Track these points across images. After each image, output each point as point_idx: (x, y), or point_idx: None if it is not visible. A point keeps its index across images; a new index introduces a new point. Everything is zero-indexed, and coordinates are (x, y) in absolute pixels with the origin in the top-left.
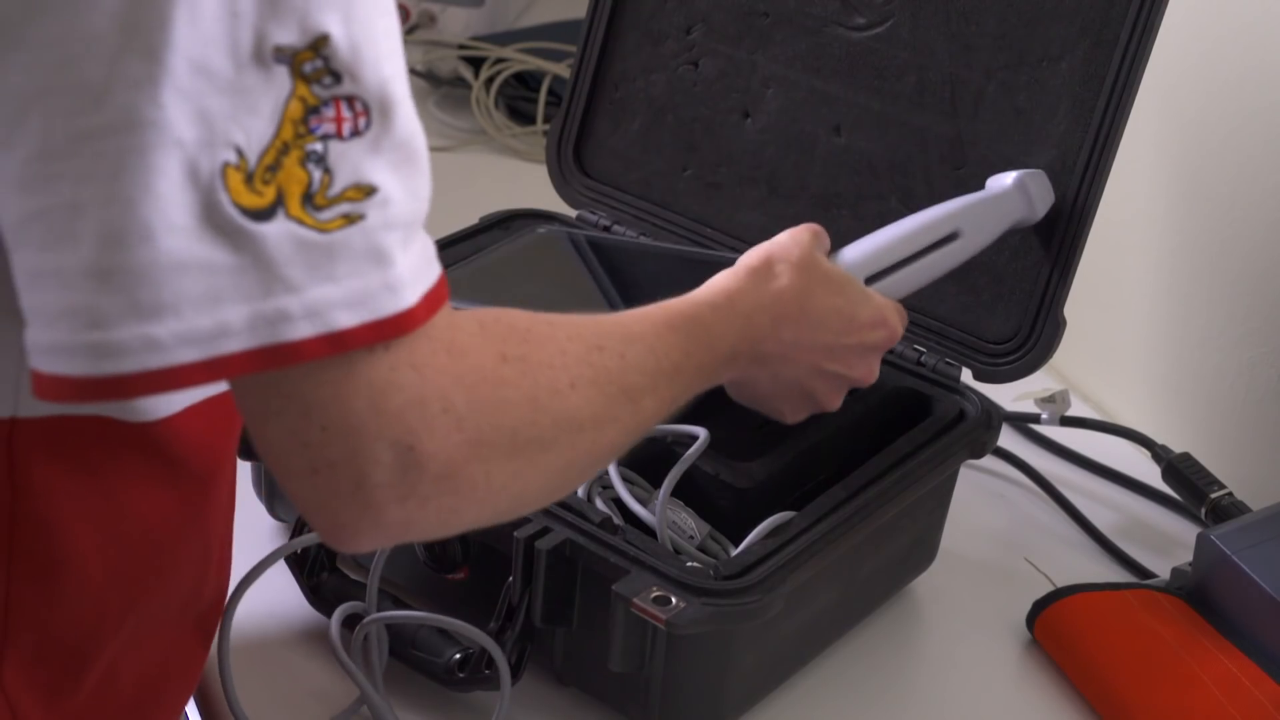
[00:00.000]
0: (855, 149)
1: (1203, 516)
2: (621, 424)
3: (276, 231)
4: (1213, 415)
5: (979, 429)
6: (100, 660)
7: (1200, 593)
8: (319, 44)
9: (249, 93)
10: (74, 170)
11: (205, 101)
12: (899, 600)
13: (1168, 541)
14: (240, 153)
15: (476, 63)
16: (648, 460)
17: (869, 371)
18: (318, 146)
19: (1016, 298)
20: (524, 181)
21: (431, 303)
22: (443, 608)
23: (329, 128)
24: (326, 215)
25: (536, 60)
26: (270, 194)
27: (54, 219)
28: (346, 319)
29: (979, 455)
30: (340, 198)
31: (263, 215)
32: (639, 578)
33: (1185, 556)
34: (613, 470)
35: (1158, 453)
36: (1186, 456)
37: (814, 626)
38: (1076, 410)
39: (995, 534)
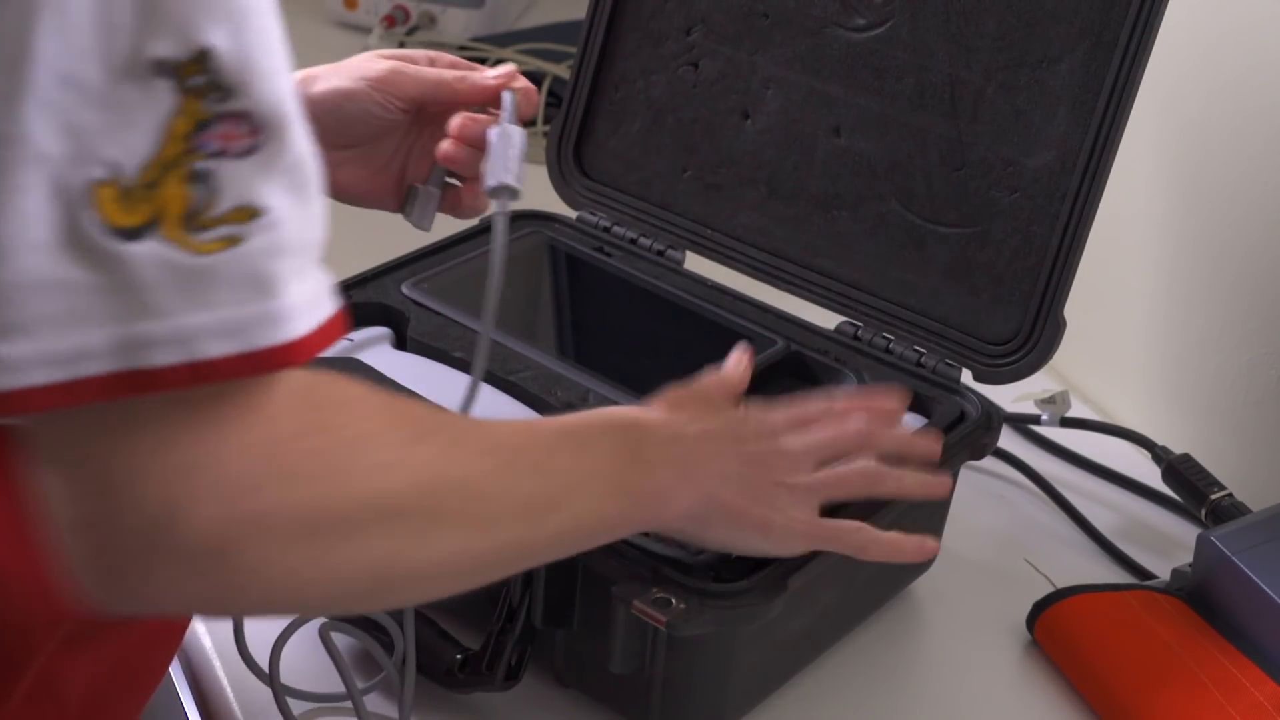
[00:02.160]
0: (855, 150)
1: (1203, 517)
2: (474, 530)
3: (146, 252)
4: (1213, 416)
5: (979, 430)
6: (31, 666)
7: (1200, 594)
8: (203, 57)
9: (126, 107)
10: None
11: (74, 116)
12: (899, 601)
13: (1168, 542)
14: (115, 169)
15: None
16: None
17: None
18: (205, 164)
19: (1016, 298)
20: (524, 182)
21: (321, 339)
22: (443, 609)
23: (218, 145)
24: (206, 237)
25: (536, 61)
26: (145, 212)
27: None
28: (217, 348)
29: (979, 456)
30: (224, 219)
31: (133, 234)
32: (640, 579)
33: (1185, 557)
34: None
35: (1158, 454)
36: (1186, 457)
37: (815, 628)
38: (1076, 411)
39: (995, 535)
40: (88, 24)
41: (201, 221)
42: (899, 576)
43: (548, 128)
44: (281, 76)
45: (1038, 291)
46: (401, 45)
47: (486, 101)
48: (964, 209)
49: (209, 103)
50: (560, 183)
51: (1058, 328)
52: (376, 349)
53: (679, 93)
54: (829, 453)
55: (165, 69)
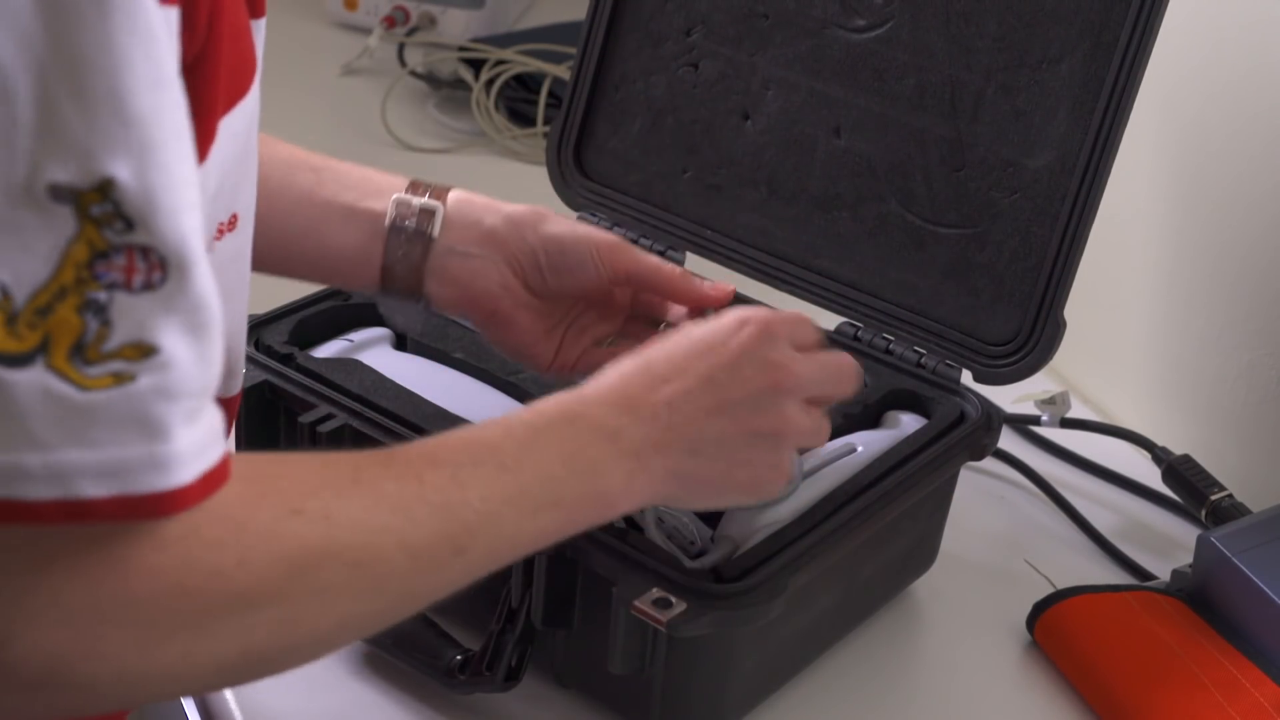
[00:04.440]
0: (855, 151)
1: (1203, 518)
2: (362, 596)
3: (28, 381)
4: (1213, 417)
5: (979, 431)
6: None
7: (1200, 595)
8: (105, 187)
9: (21, 230)
10: None
11: None
12: (899, 602)
13: (1168, 543)
14: (5, 292)
15: (477, 65)
16: None
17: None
18: (100, 295)
19: (1016, 299)
20: (524, 183)
21: (208, 485)
22: (443, 609)
23: (117, 276)
24: (94, 372)
25: (536, 62)
26: (33, 339)
27: None
28: (94, 489)
29: (979, 457)
30: (115, 354)
31: (17, 361)
32: (640, 580)
33: (1185, 558)
34: None
35: (1158, 454)
36: (1186, 458)
37: (815, 628)
38: (1076, 412)
39: (995, 536)
40: None
41: (91, 355)
42: (899, 577)
43: (548, 129)
44: (186, 214)
45: (1038, 292)
46: (402, 46)
47: (694, 305)
48: (964, 210)
49: (110, 233)
50: (560, 184)
51: (1058, 328)
52: (376, 349)
53: (679, 93)
54: (816, 391)
55: (65, 195)
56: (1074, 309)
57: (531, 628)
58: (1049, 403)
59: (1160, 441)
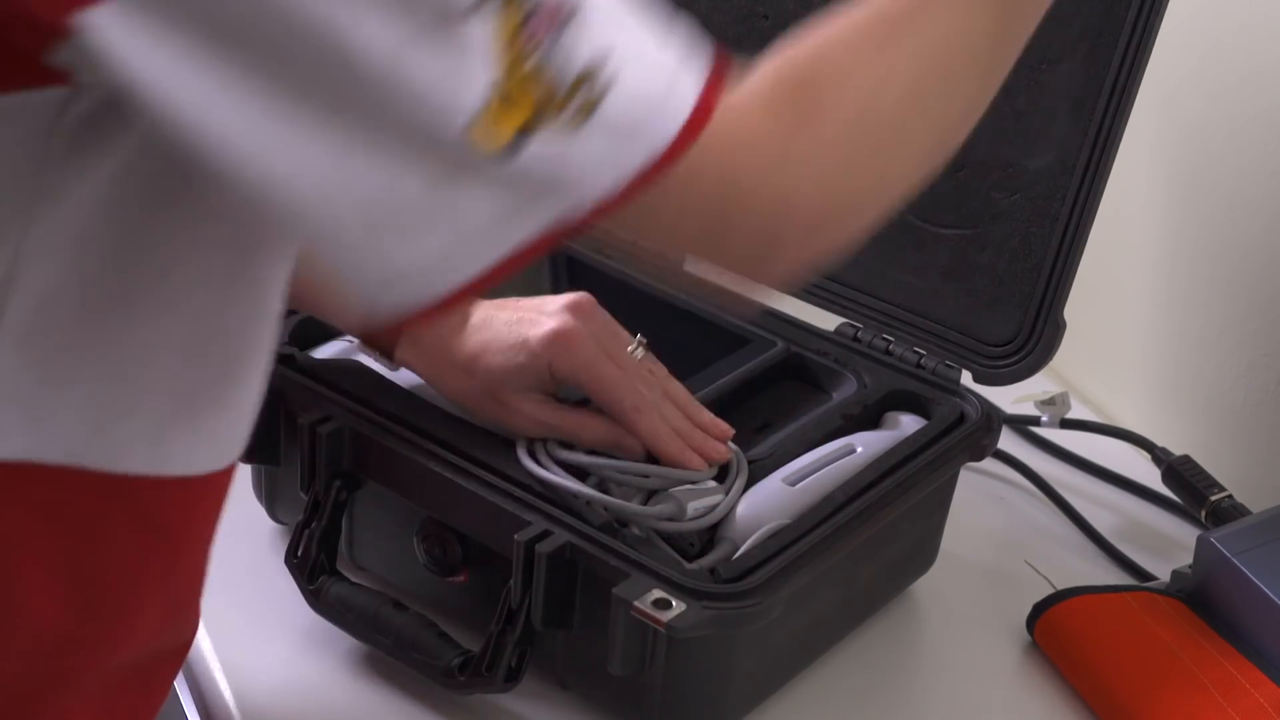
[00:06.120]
0: None
1: (1203, 519)
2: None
3: (537, 149)
4: (1212, 418)
5: (979, 431)
6: (46, 716)
7: (1200, 595)
8: None
9: (458, 50)
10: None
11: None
12: (899, 603)
13: (1168, 544)
14: (473, 108)
15: None
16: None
17: None
18: (540, 55)
19: (1016, 300)
20: None
21: (707, 104)
22: (444, 611)
23: (540, 35)
24: (573, 107)
25: None
26: (513, 124)
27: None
28: (627, 168)
29: (979, 458)
30: (577, 85)
31: (514, 148)
32: (640, 581)
33: (1185, 559)
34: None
35: (1158, 455)
36: (1186, 459)
37: (814, 629)
38: (1076, 413)
39: (995, 536)
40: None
41: (561, 103)
42: (898, 577)
43: None
44: None
45: (1037, 293)
46: None
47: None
48: (964, 210)
49: (518, 8)
50: None
51: (1057, 329)
52: None
53: None
54: None
55: (475, 6)
56: (1074, 309)
57: (531, 628)
58: (1049, 403)
59: (1160, 442)
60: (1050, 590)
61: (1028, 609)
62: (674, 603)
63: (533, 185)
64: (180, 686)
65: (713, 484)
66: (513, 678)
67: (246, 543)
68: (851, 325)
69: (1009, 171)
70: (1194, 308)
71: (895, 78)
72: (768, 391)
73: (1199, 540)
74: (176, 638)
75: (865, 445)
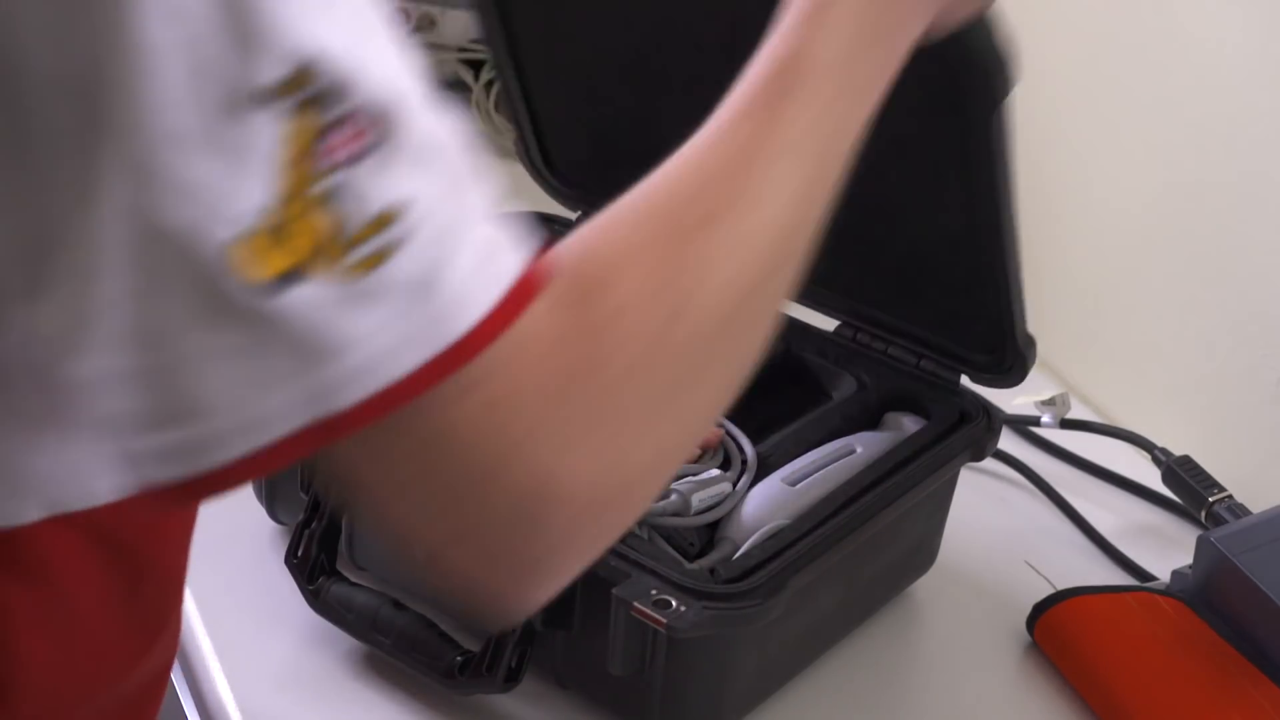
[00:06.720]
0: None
1: (1203, 519)
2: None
3: (302, 297)
4: (1213, 418)
5: (979, 432)
6: None
7: (1200, 596)
8: (307, 67)
9: (236, 149)
10: None
11: (184, 174)
12: (899, 603)
13: (1168, 544)
14: (241, 222)
15: (476, 66)
16: None
17: None
18: (330, 181)
19: (983, 325)
20: (523, 185)
21: (513, 306)
22: (444, 611)
23: (337, 156)
24: (356, 256)
25: None
26: (286, 257)
27: None
28: (403, 364)
29: (979, 458)
30: (369, 230)
31: (282, 285)
32: (640, 581)
33: (1185, 559)
34: None
35: (1158, 455)
36: (1186, 459)
37: (815, 630)
38: (1076, 413)
39: (995, 537)
40: (180, 71)
41: (346, 244)
42: (898, 578)
43: None
44: (386, 57)
45: (998, 316)
46: None
47: None
48: (918, 252)
49: (319, 113)
50: (551, 190)
51: (1028, 344)
52: None
53: None
54: None
55: (268, 94)
56: (1074, 309)
57: (531, 629)
58: (1049, 403)
59: (1160, 442)
60: (1050, 590)
61: (1028, 609)
62: (674, 603)
63: (289, 340)
64: (180, 686)
65: (717, 472)
66: (513, 678)
67: (246, 543)
68: (851, 325)
69: (928, 226)
70: (1194, 307)
71: (711, 280)
72: (767, 392)
73: (1199, 540)
74: (161, 661)
75: (865, 445)
